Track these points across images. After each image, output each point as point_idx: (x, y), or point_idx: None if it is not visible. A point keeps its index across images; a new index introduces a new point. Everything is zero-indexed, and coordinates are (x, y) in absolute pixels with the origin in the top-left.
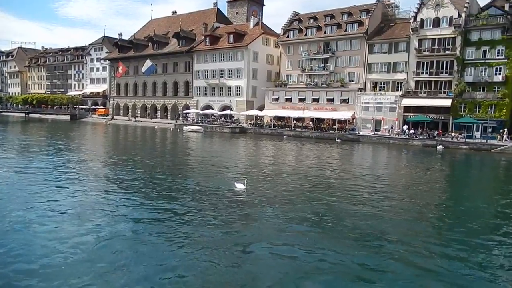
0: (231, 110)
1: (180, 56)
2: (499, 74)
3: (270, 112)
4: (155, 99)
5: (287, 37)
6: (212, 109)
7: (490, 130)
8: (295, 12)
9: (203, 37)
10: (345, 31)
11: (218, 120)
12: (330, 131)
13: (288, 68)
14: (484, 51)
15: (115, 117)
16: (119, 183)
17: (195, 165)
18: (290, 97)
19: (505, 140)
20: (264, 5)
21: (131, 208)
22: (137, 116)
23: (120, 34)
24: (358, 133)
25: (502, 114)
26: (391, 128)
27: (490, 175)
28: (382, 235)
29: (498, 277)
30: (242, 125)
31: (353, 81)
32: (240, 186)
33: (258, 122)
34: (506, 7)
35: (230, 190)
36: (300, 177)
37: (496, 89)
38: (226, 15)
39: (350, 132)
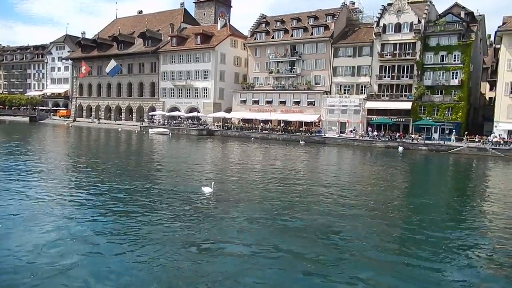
0: (198, 112)
1: (146, 57)
2: (456, 78)
3: (237, 114)
4: (119, 101)
5: (255, 39)
6: (179, 111)
7: (447, 132)
8: (263, 14)
9: (169, 38)
10: (311, 34)
11: (185, 122)
12: (297, 133)
13: (255, 70)
14: (442, 56)
15: (77, 118)
16: (80, 187)
17: (160, 168)
18: (257, 99)
19: (453, 140)
20: (231, 6)
21: (92, 212)
22: (100, 118)
23: (83, 33)
24: (324, 135)
25: (458, 116)
26: (354, 130)
27: (446, 174)
28: (342, 233)
29: (451, 274)
30: (209, 127)
31: (319, 84)
32: (207, 189)
33: (226, 124)
34: (462, 14)
35: (196, 193)
36: (267, 179)
37: (453, 93)
38: (193, 16)
39: (316, 134)
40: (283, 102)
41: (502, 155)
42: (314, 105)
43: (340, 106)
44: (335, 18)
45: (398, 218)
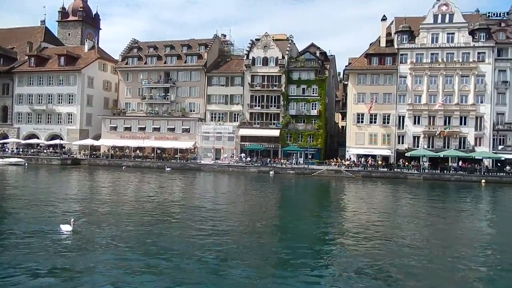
0: (62, 139)
1: None
2: (315, 109)
3: (107, 142)
4: None
5: (126, 64)
6: (38, 138)
7: (310, 156)
8: (134, 39)
9: (27, 57)
10: (185, 62)
11: (45, 151)
12: (172, 161)
13: (127, 96)
14: (303, 89)
15: None
16: None
17: (10, 205)
18: (129, 126)
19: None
20: (100, 29)
21: None
22: None
23: None
24: (200, 162)
25: (318, 142)
26: (231, 156)
27: (310, 193)
28: (213, 255)
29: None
30: (75, 156)
31: (194, 111)
32: (66, 228)
33: (94, 152)
34: (318, 53)
35: (53, 233)
36: (136, 209)
37: (313, 122)
38: (57, 36)
39: (192, 161)
40: (157, 129)
41: (353, 176)
42: (189, 132)
43: (215, 133)
44: (208, 48)
45: (268, 236)
